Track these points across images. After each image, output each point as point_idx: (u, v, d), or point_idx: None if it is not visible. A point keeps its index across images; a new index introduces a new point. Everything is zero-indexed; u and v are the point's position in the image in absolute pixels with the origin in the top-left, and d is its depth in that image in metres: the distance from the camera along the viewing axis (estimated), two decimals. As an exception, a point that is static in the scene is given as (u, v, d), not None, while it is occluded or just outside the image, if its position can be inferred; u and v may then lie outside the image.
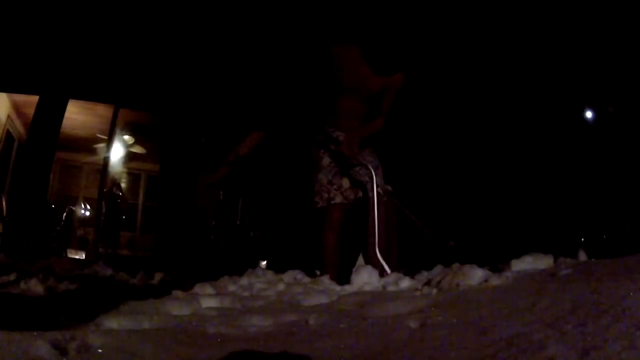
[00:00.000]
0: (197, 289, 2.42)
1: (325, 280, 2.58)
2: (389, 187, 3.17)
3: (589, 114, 7.92)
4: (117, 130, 8.93)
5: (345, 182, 2.97)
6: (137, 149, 10.29)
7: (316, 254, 3.02)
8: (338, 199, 2.94)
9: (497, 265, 2.05)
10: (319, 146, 3.10)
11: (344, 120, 3.03)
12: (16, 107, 8.76)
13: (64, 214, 9.34)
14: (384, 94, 3.01)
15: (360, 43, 2.92)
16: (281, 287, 2.51)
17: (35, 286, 2.22)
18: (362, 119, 3.07)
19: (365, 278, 2.35)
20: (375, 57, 2.88)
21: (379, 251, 2.81)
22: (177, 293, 2.23)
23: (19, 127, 9.28)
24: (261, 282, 2.72)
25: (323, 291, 2.21)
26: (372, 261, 2.81)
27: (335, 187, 2.97)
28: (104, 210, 10.01)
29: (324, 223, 2.99)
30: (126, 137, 9.89)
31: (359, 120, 3.06)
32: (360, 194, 3.00)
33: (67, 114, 7.83)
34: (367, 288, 2.23)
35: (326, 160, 3.03)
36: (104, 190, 9.90)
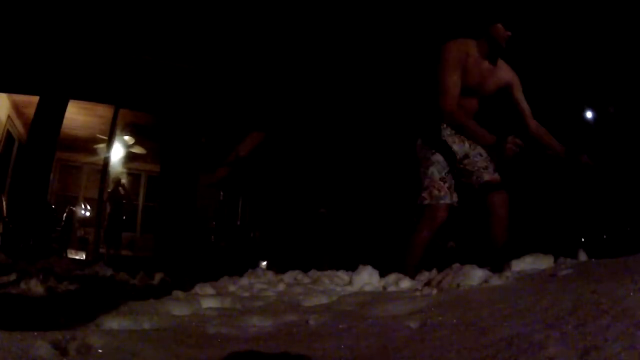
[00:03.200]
0: (197, 289, 2.41)
1: (325, 280, 2.57)
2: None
3: (589, 114, 7.92)
4: (117, 131, 8.93)
5: (453, 183, 2.81)
6: (137, 150, 10.29)
7: (399, 250, 2.84)
8: (447, 199, 2.77)
9: (497, 265, 2.05)
10: (431, 143, 2.90)
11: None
12: (16, 107, 8.76)
13: (64, 215, 9.33)
14: (509, 93, 2.94)
15: (474, 36, 2.79)
16: (281, 287, 2.51)
17: (36, 286, 2.21)
18: (476, 117, 2.92)
19: (365, 278, 2.35)
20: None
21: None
22: (177, 293, 2.23)
23: (19, 127, 9.27)
24: (261, 282, 2.71)
25: (323, 291, 2.21)
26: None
27: (447, 185, 2.78)
28: (108, 210, 10.01)
29: (424, 221, 2.78)
30: (126, 137, 9.89)
31: (474, 118, 2.91)
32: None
33: (67, 114, 7.83)
34: (367, 288, 2.23)
35: (439, 156, 2.86)
36: (108, 190, 9.90)
